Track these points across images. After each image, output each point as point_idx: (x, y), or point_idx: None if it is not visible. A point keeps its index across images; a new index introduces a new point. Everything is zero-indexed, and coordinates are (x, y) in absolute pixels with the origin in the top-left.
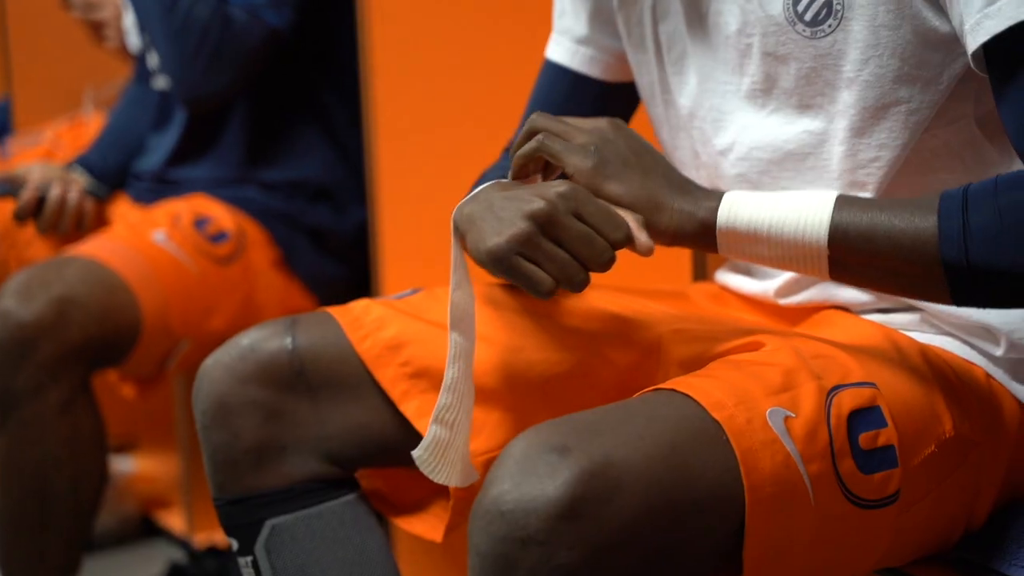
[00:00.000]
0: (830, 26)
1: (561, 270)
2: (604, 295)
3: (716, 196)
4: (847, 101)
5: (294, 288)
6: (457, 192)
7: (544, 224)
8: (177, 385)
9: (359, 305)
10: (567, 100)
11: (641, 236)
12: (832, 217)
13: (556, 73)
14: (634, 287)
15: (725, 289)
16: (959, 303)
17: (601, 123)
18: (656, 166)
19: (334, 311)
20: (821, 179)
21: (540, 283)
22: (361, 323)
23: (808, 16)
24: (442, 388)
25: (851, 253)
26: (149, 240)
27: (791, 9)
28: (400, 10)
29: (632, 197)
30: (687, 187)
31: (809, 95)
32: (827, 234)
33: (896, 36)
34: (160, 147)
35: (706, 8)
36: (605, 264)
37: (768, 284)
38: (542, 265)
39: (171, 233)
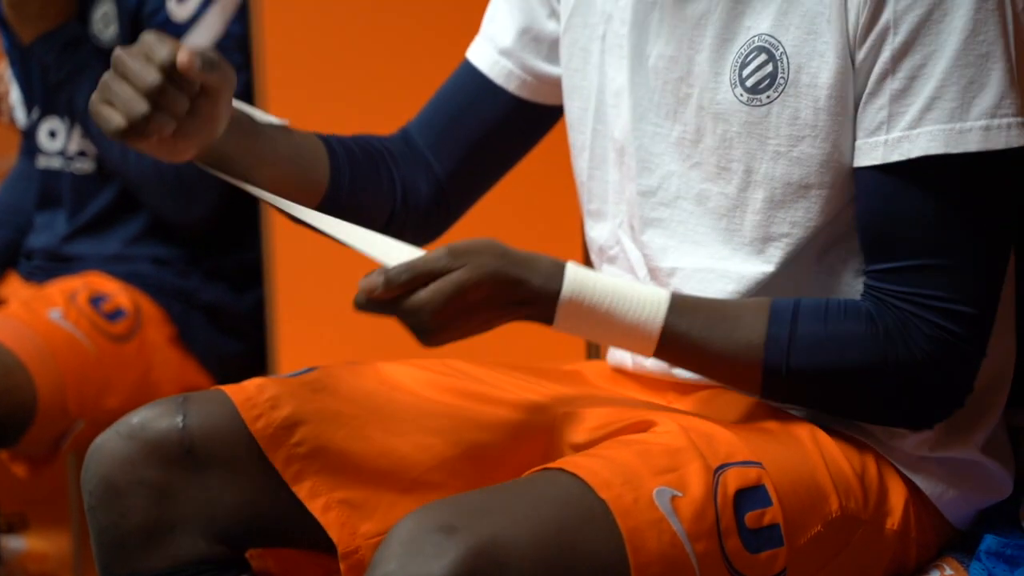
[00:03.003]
0: (768, 97)
1: (123, 105)
2: (498, 376)
3: (559, 275)
4: (769, 173)
5: (190, 365)
6: (355, 272)
7: (114, 67)
8: (70, 463)
9: (253, 383)
10: (472, 103)
11: (183, 55)
12: (665, 320)
13: (470, 74)
14: (529, 366)
15: (617, 368)
16: (765, 398)
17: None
18: (483, 303)
19: (228, 389)
20: (732, 241)
21: (107, 121)
22: (255, 402)
23: (749, 83)
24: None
25: (679, 355)
26: (45, 318)
27: (736, 72)
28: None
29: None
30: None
31: (727, 159)
32: (658, 335)
33: (834, 121)
34: (51, 225)
35: (651, 50)
36: (148, 89)
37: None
38: (114, 105)
39: (67, 311)
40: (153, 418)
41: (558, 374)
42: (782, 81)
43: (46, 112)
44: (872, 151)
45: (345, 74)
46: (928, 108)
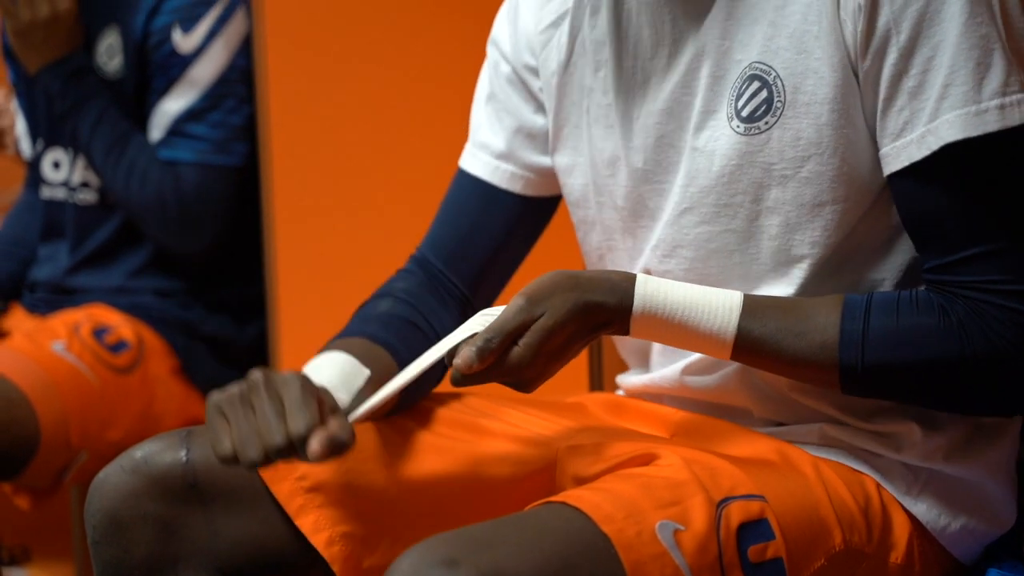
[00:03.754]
0: (767, 123)
1: (239, 437)
2: (500, 409)
3: (632, 290)
4: (780, 198)
5: (193, 397)
6: (356, 306)
7: (249, 389)
8: (73, 496)
9: None
10: (483, 213)
11: (315, 443)
12: (738, 326)
13: (473, 185)
14: (532, 399)
15: (623, 397)
16: (846, 394)
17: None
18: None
19: None
20: (750, 273)
21: (217, 443)
22: None
23: (745, 112)
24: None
25: (755, 357)
26: (49, 350)
27: (732, 105)
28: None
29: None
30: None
31: (729, 193)
32: (732, 341)
33: (839, 136)
34: (54, 257)
35: (638, 112)
36: (272, 450)
37: (675, 367)
38: (231, 426)
39: (70, 343)
40: (157, 452)
41: (561, 407)
42: (779, 104)
43: (50, 143)
44: (900, 154)
45: (348, 108)
46: (943, 97)
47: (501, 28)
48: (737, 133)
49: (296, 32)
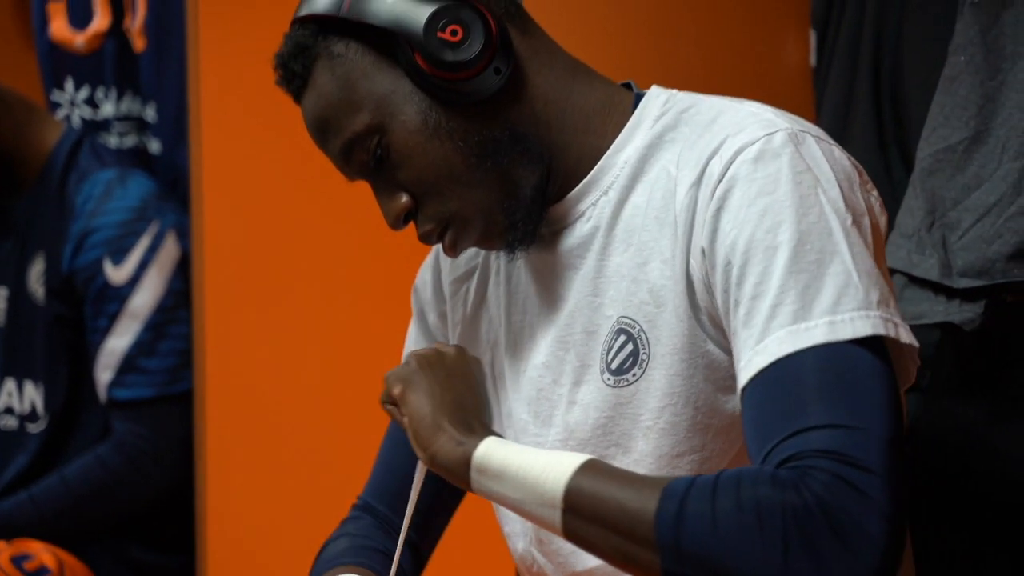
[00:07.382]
0: (634, 375)
1: None
2: None
3: (482, 435)
4: (644, 450)
5: None
6: (286, 548)
7: None
8: None
9: None
10: (415, 456)
11: None
12: (571, 476)
13: (401, 433)
14: None
15: None
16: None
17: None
18: (451, 395)
19: None
20: None
21: None
22: None
23: (614, 365)
24: None
25: (581, 513)
26: None
27: (604, 359)
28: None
29: (419, 416)
30: (467, 422)
31: (604, 445)
32: (563, 489)
33: (690, 385)
34: None
35: (524, 365)
36: None
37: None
38: None
39: None
40: None
41: None
42: (644, 357)
43: None
44: (739, 377)
45: (289, 334)
46: (772, 317)
47: (423, 276)
48: (608, 386)
49: (235, 257)
